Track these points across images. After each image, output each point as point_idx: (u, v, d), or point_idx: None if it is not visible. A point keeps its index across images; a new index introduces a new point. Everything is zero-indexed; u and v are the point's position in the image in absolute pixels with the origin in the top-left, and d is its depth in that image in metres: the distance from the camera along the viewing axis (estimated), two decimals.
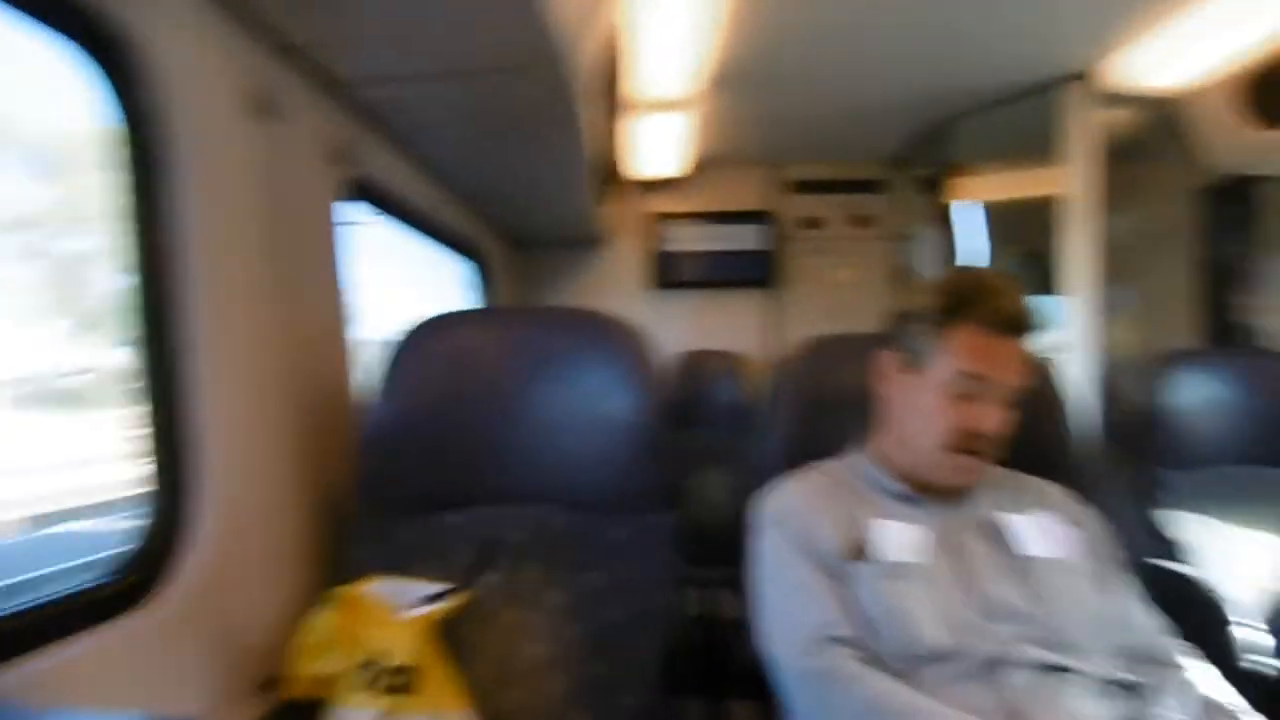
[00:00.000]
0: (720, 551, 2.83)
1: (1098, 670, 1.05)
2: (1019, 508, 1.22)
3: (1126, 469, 2.32)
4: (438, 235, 2.64)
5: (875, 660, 1.07)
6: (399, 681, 1.15)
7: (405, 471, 1.40)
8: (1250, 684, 1.81)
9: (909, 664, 1.05)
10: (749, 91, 2.75)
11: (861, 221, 3.76)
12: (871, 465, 1.27)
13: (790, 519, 1.20)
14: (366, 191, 1.94)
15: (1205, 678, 1.12)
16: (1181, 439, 2.28)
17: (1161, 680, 1.07)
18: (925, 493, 1.22)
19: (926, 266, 3.64)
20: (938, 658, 1.05)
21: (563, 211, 3.04)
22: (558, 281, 3.77)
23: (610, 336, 1.40)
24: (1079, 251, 2.62)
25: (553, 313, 1.54)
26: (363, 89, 1.68)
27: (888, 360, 1.26)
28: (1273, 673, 1.80)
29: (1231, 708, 1.05)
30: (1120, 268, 2.83)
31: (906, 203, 3.67)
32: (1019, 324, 1.15)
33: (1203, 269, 2.94)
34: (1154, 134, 2.76)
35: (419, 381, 1.41)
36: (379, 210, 2.12)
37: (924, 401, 1.19)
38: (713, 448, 3.19)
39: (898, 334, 1.24)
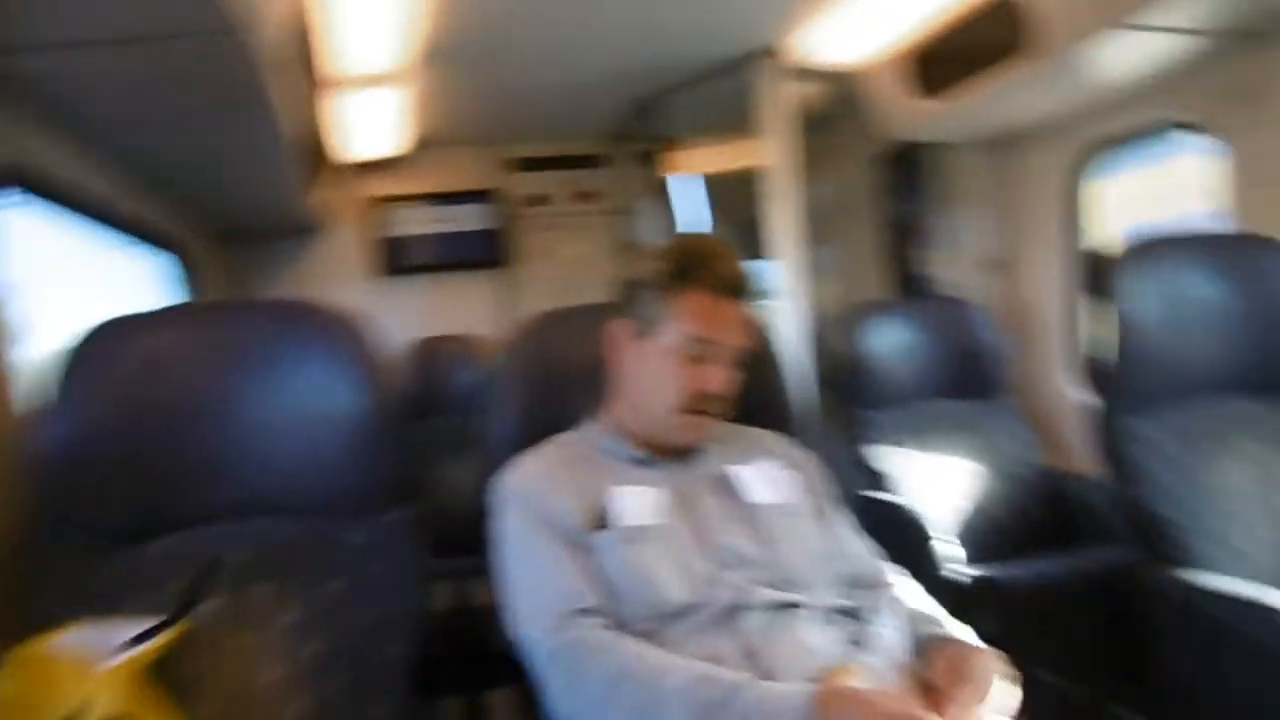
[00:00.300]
0: (471, 540, 2.78)
1: (822, 601, 1.14)
2: (745, 459, 1.29)
3: (838, 412, 2.56)
4: (125, 229, 2.33)
5: (621, 626, 1.08)
6: None
7: (96, 498, 1.22)
8: (949, 591, 2.07)
9: (654, 623, 1.08)
10: (464, 67, 2.68)
11: (586, 197, 3.82)
12: (606, 434, 1.29)
13: (529, 495, 1.20)
14: (24, 179, 1.67)
15: (912, 593, 1.25)
16: (880, 381, 2.54)
17: (876, 601, 1.18)
18: (659, 454, 1.26)
19: (649, 238, 3.77)
20: (680, 613, 1.08)
21: (268, 198, 2.80)
22: (274, 274, 3.47)
23: (324, 326, 1.30)
24: (782, 218, 2.82)
25: (255, 305, 1.41)
26: (10, 58, 1.43)
27: (619, 328, 1.28)
28: (965, 579, 2.07)
29: (933, 616, 1.17)
30: (820, 232, 3.09)
31: (628, 177, 3.77)
32: (741, 287, 1.22)
33: (885, 228, 3.29)
34: (838, 106, 3.02)
35: (102, 394, 1.23)
36: (43, 201, 1.82)
37: (655, 366, 1.23)
38: (456, 435, 3.12)
39: (627, 302, 1.27)
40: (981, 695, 0.98)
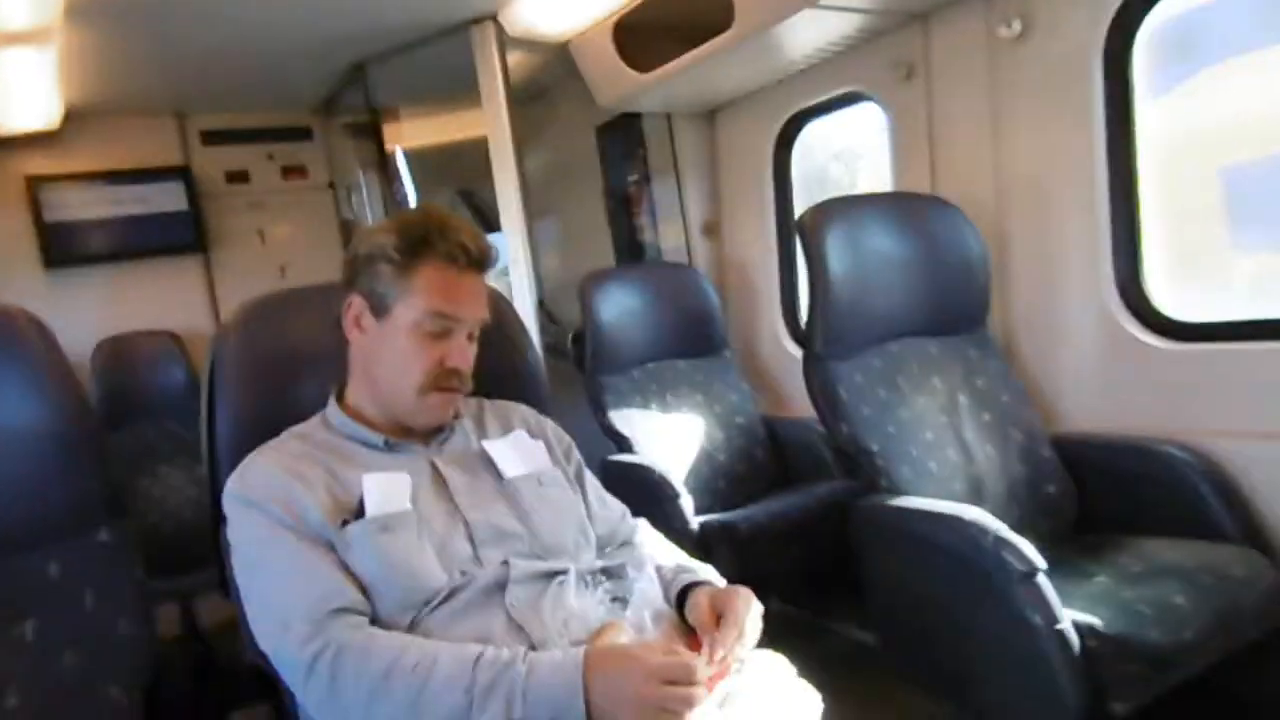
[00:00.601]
0: (191, 555, 2.52)
1: (583, 565, 1.15)
2: (495, 432, 1.28)
3: (575, 379, 2.61)
4: None
5: (380, 620, 1.03)
6: None
7: None
8: (692, 539, 2.20)
9: (415, 612, 1.04)
10: (117, 23, 2.34)
11: (295, 172, 3.54)
12: (346, 419, 1.21)
13: (267, 494, 1.09)
14: None
15: (661, 544, 1.31)
16: (611, 347, 2.62)
17: (630, 557, 1.22)
18: (405, 437, 1.21)
19: (368, 214, 3.59)
20: (442, 597, 1.05)
21: None
22: None
23: None
24: (507, 188, 2.80)
25: None
26: None
27: (352, 307, 1.20)
28: (706, 527, 2.20)
29: (684, 564, 1.23)
30: (543, 202, 3.10)
31: (341, 150, 3.55)
32: (479, 259, 1.18)
33: (608, 197, 3.38)
34: (558, 76, 3.03)
35: None
36: None
37: (395, 345, 1.17)
38: (162, 442, 2.80)
39: (358, 279, 1.19)
40: (740, 629, 1.04)
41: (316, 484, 1.10)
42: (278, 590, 1.04)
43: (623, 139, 3.25)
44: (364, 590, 1.04)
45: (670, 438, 2.54)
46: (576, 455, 1.35)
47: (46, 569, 1.10)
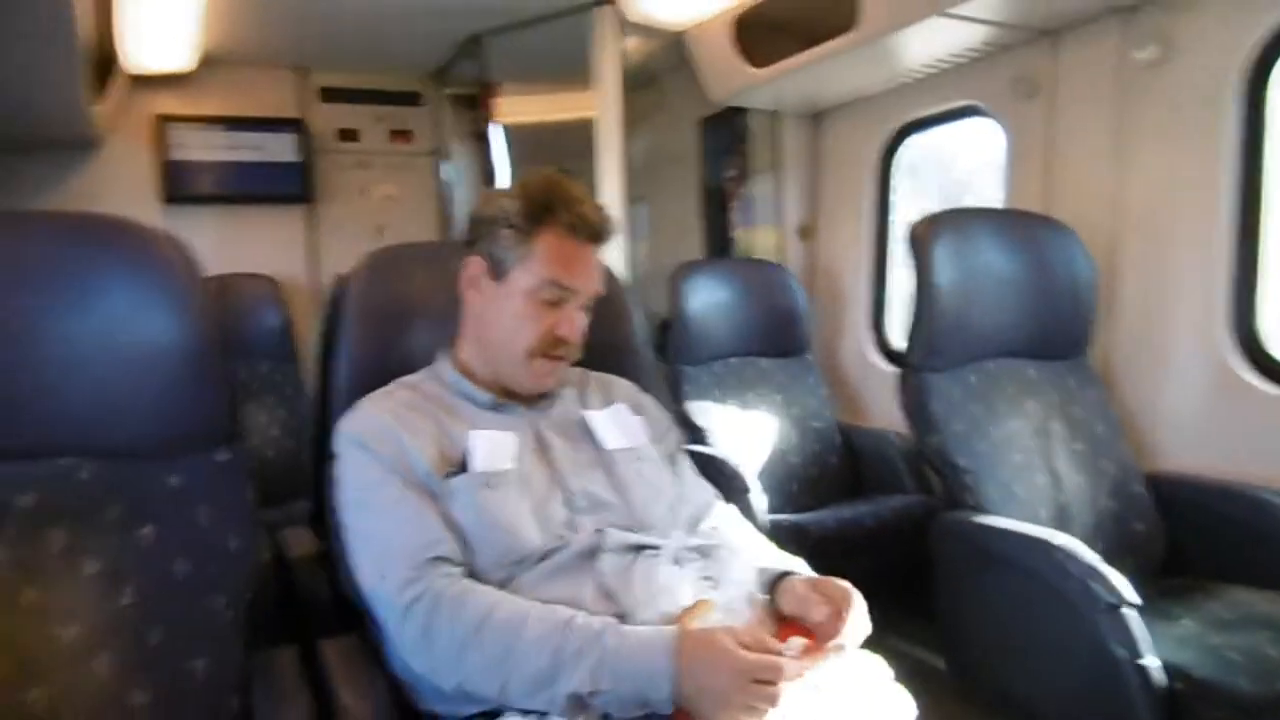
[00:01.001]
0: (281, 489, 2.62)
1: (675, 542, 1.17)
2: (598, 403, 1.30)
3: (660, 368, 2.62)
4: None
5: (476, 574, 1.06)
6: None
7: None
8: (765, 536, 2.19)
9: (510, 570, 1.06)
10: None
11: (401, 136, 3.63)
12: (457, 375, 1.24)
13: (377, 439, 1.13)
14: None
15: (748, 532, 1.31)
16: (695, 338, 2.63)
17: (723, 540, 1.22)
18: (511, 398, 1.23)
19: (462, 184, 3.66)
20: (536, 558, 1.07)
21: (44, 101, 2.41)
22: (37, 195, 3.00)
23: (137, 243, 1.15)
24: (607, 173, 2.82)
25: (49, 217, 1.22)
26: None
27: (471, 267, 1.23)
28: (778, 526, 2.20)
29: (775, 554, 1.24)
30: (634, 189, 3.13)
31: (446, 119, 3.62)
32: (600, 232, 1.20)
33: (704, 190, 3.39)
34: (667, 65, 3.05)
35: None
36: None
37: (508, 309, 1.19)
38: (256, 380, 2.91)
39: (480, 241, 1.22)
40: (850, 622, 1.03)
41: (425, 434, 1.14)
42: (380, 533, 1.09)
43: (725, 134, 3.25)
44: (462, 542, 1.07)
45: (746, 434, 2.55)
46: (674, 435, 1.37)
47: (168, 480, 1.16)
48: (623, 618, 1.01)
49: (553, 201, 1.17)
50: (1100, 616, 1.35)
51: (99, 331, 1.11)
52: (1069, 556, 1.41)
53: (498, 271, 1.20)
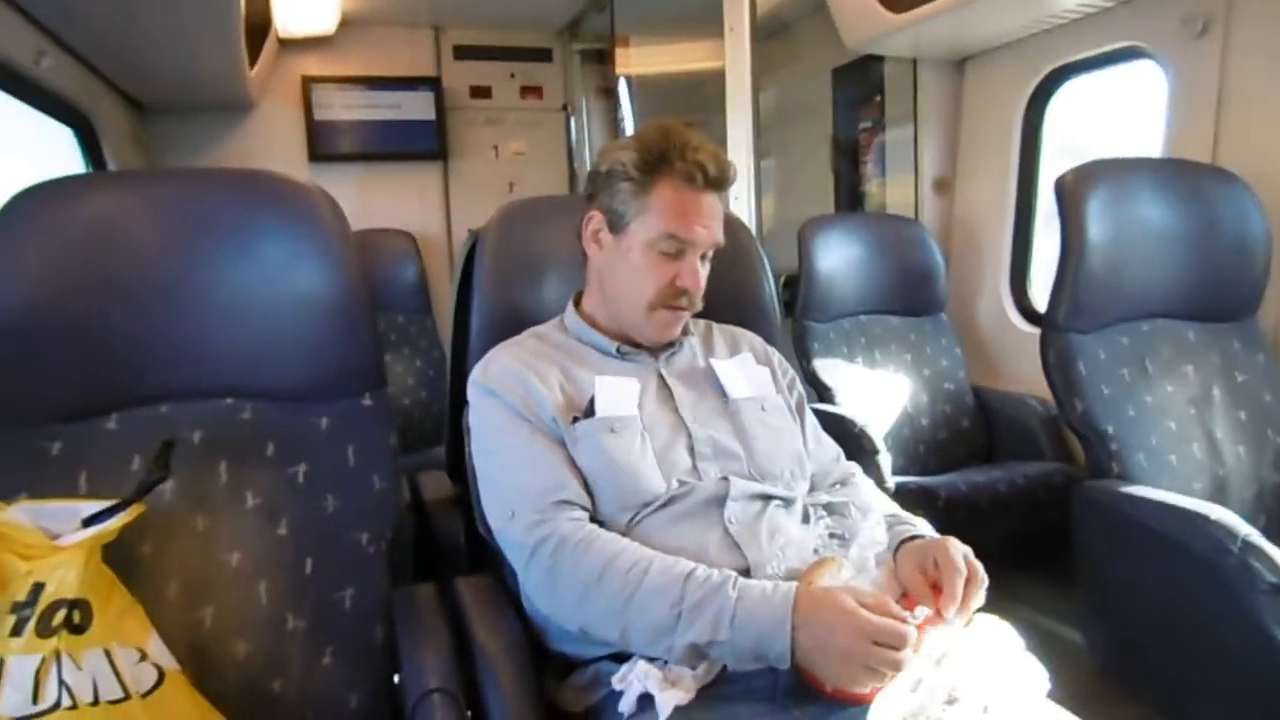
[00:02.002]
0: (417, 437, 2.74)
1: (799, 495, 1.16)
2: (723, 353, 1.30)
3: (786, 324, 2.58)
4: (20, 93, 2.11)
5: (600, 519, 1.08)
6: (65, 619, 0.96)
7: (36, 377, 1.13)
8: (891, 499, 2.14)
9: (633, 514, 1.07)
10: None
11: (533, 92, 3.67)
12: (583, 324, 1.26)
13: (507, 386, 1.15)
14: None
15: (874, 492, 1.29)
16: (822, 294, 2.57)
17: (853, 497, 1.20)
18: (636, 347, 1.24)
19: (589, 138, 3.67)
20: (659, 504, 1.08)
21: (207, 68, 2.57)
22: (195, 153, 3.22)
23: (295, 198, 1.22)
24: (738, 125, 2.77)
25: (217, 174, 1.31)
26: None
27: (591, 221, 1.23)
28: (891, 486, 2.14)
29: (901, 514, 1.21)
30: (764, 142, 3.05)
31: (576, 74, 3.64)
32: (717, 179, 1.17)
33: (834, 143, 3.28)
34: (799, 12, 2.95)
35: (37, 265, 1.13)
36: None
37: (628, 262, 1.19)
38: (394, 332, 3.04)
39: (599, 195, 1.21)
40: (974, 596, 0.99)
41: (552, 381, 1.16)
42: (509, 477, 1.12)
43: (859, 83, 3.13)
44: (587, 487, 1.09)
45: (873, 394, 2.48)
46: (799, 389, 1.35)
47: (320, 422, 1.23)
48: (748, 571, 1.02)
49: (668, 150, 1.15)
50: (1260, 597, 1.26)
51: (260, 281, 1.18)
52: (1227, 532, 1.32)
53: (616, 225, 1.19)
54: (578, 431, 1.11)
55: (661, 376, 1.22)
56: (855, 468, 1.33)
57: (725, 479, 1.11)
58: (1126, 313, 1.71)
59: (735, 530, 1.06)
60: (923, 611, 0.96)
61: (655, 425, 1.15)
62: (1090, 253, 1.63)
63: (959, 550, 1.02)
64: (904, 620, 0.90)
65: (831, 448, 1.34)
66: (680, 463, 1.13)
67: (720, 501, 1.09)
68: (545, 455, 1.10)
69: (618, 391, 1.15)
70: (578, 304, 1.30)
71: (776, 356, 1.37)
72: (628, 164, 1.16)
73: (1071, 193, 1.65)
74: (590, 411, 1.13)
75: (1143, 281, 1.71)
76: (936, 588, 1.00)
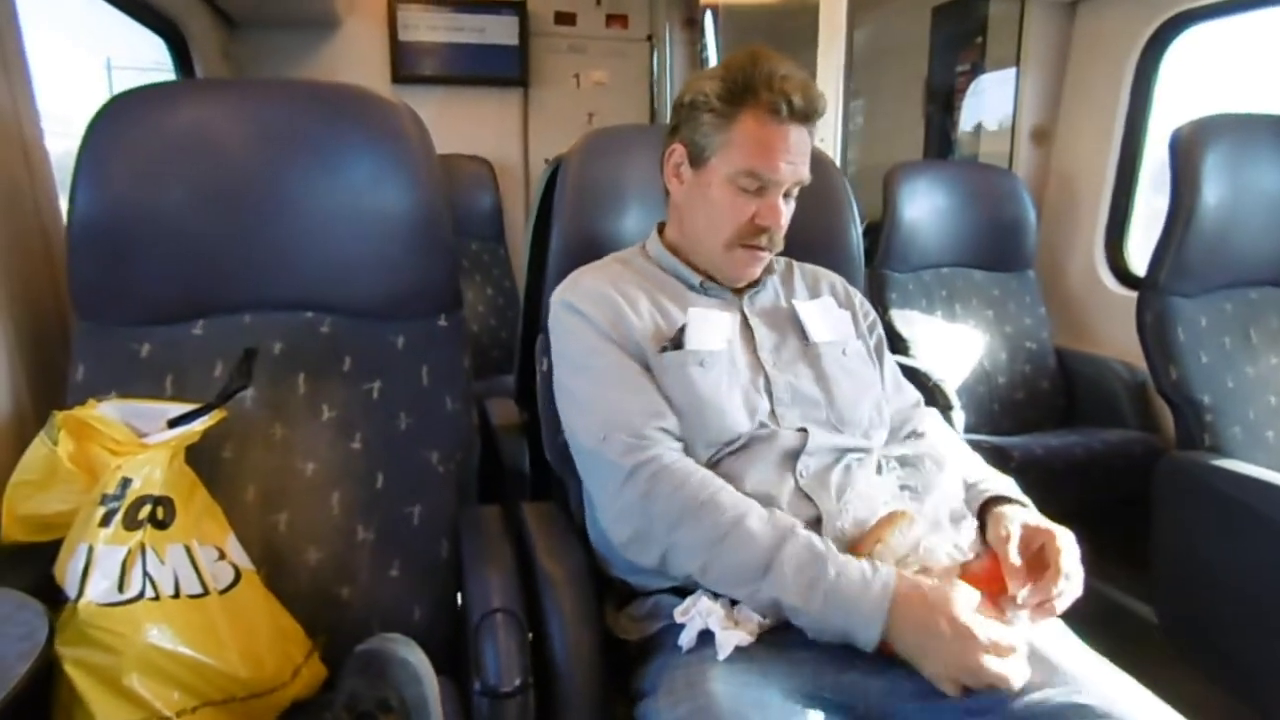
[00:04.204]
0: (487, 363, 2.76)
1: (877, 445, 1.13)
2: (801, 295, 1.26)
3: (866, 272, 2.51)
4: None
5: (687, 450, 1.06)
6: (149, 514, 0.99)
7: (128, 278, 1.16)
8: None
9: (714, 451, 1.06)
10: None
11: (618, 20, 3.58)
12: (667, 254, 1.23)
13: (596, 306, 1.12)
14: None
15: (953, 442, 1.25)
16: (904, 243, 2.48)
17: (928, 449, 1.17)
18: (719, 283, 1.21)
19: (670, 71, 3.58)
20: (740, 444, 1.06)
21: None
22: (283, 67, 3.23)
23: (384, 115, 1.21)
24: (829, 63, 2.66)
25: (307, 86, 1.30)
26: None
27: (675, 154, 1.18)
28: (982, 447, 2.08)
29: (981, 469, 1.17)
30: (854, 83, 2.93)
31: (660, 4, 3.54)
32: (805, 112, 1.10)
33: (928, 86, 3.14)
34: None
35: (130, 169, 1.15)
36: None
37: (707, 197, 1.14)
38: (466, 258, 3.05)
39: (681, 127, 1.16)
40: (1060, 579, 0.95)
41: (641, 306, 1.14)
42: (603, 398, 1.08)
43: (962, 23, 2.97)
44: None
45: (950, 348, 2.41)
46: (880, 332, 1.32)
47: (396, 340, 1.25)
48: (819, 520, 1.00)
49: (753, 80, 1.08)
50: None
51: (345, 196, 1.19)
52: None
53: (697, 158, 1.15)
54: (665, 361, 1.09)
55: (744, 315, 1.19)
56: (934, 415, 1.29)
57: (804, 430, 1.08)
58: (1234, 278, 1.61)
59: (806, 483, 1.04)
60: (1024, 600, 0.94)
61: (739, 364, 1.13)
62: (1201, 212, 1.54)
63: (1073, 552, 0.98)
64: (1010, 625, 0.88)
65: (912, 394, 1.30)
66: (761, 406, 1.10)
67: (796, 454, 1.06)
68: (638, 379, 1.09)
69: (709, 324, 1.13)
70: (661, 233, 1.27)
71: (858, 298, 1.32)
72: (710, 94, 1.11)
73: (1187, 147, 1.55)
74: (679, 342, 1.10)
75: (1255, 246, 1.61)
76: (1033, 569, 0.96)
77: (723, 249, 1.16)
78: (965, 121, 3.02)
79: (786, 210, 1.15)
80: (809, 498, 1.03)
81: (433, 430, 1.23)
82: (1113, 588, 1.87)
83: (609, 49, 3.59)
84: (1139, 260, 2.53)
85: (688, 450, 1.06)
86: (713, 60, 3.44)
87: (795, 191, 1.16)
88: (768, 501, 1.00)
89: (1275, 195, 1.58)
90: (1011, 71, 2.81)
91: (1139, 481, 1.63)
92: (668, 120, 1.21)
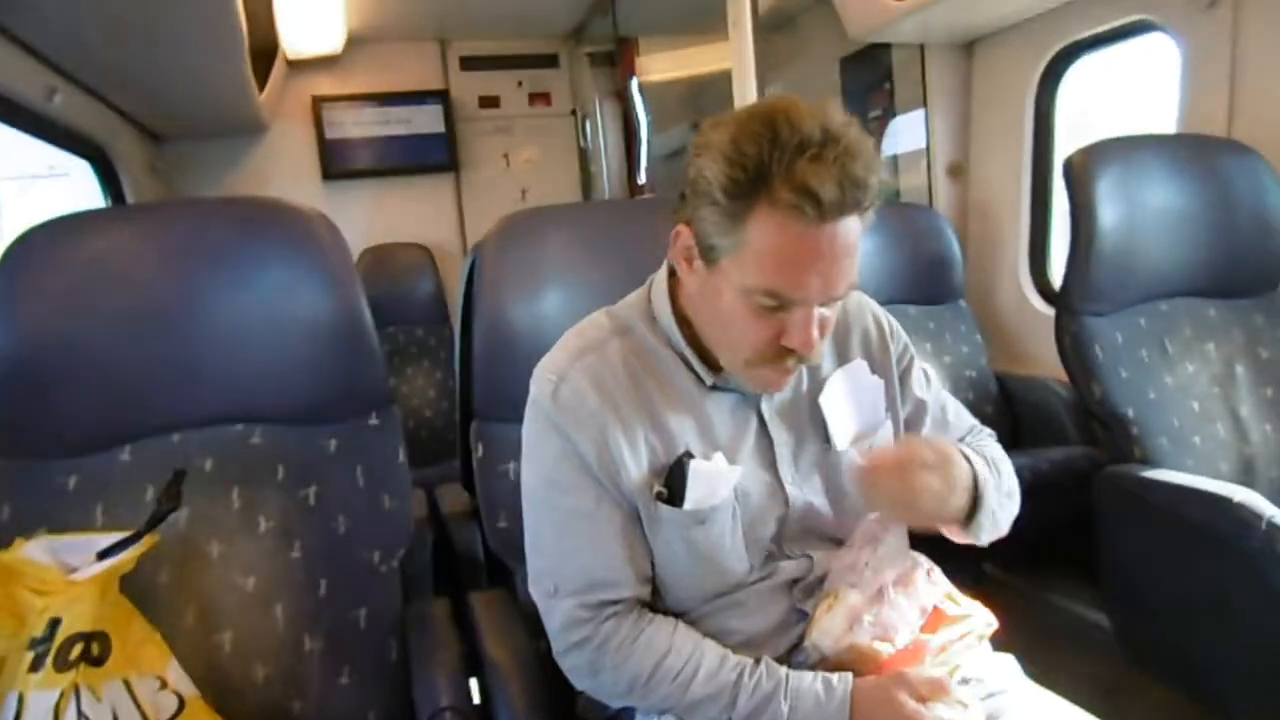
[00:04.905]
0: (438, 447, 2.75)
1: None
2: (830, 361, 1.04)
3: None
4: (35, 129, 2.15)
5: (663, 607, 0.98)
6: (82, 651, 0.98)
7: (49, 412, 1.16)
8: None
9: (701, 602, 0.98)
10: None
11: (541, 99, 3.68)
12: (676, 328, 0.98)
13: (582, 428, 0.93)
14: None
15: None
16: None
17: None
18: (732, 381, 0.99)
19: (602, 143, 3.67)
20: (733, 590, 0.98)
21: (217, 94, 2.61)
22: (212, 178, 3.26)
23: (294, 224, 1.24)
24: None
25: (214, 203, 1.32)
26: None
27: (681, 235, 0.92)
28: None
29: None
30: None
31: (584, 79, 3.64)
32: (844, 204, 0.80)
33: None
34: (803, 3, 2.93)
35: (46, 302, 1.15)
36: None
37: (721, 305, 0.89)
38: (413, 344, 3.07)
39: (687, 206, 0.89)
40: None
41: (637, 435, 0.94)
42: (560, 548, 0.97)
43: (868, 72, 3.10)
44: (655, 574, 0.97)
45: None
46: (914, 367, 1.11)
47: (328, 444, 1.25)
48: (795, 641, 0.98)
49: (767, 168, 0.79)
50: None
51: (263, 307, 1.20)
52: (1251, 514, 1.29)
53: (707, 255, 0.88)
54: (661, 515, 0.94)
55: (761, 417, 1.00)
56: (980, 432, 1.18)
57: (808, 558, 0.99)
58: (1143, 293, 1.67)
59: (799, 603, 0.99)
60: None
61: (750, 487, 0.97)
62: (1102, 234, 1.60)
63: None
64: (964, 704, 0.88)
65: (956, 432, 1.15)
66: (765, 539, 0.98)
67: (795, 581, 0.99)
68: (606, 534, 0.94)
69: (715, 479, 0.94)
70: (673, 293, 0.99)
71: (892, 332, 1.10)
72: (714, 181, 0.83)
73: (1080, 173, 1.62)
74: (677, 495, 0.93)
75: (1158, 261, 1.67)
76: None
77: (740, 365, 0.93)
78: (885, 164, 3.12)
79: (829, 315, 0.89)
80: (799, 613, 0.99)
81: (372, 530, 1.23)
82: (1071, 602, 1.89)
83: (535, 126, 3.68)
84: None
85: (671, 603, 0.98)
86: (644, 131, 3.52)
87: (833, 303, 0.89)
88: (757, 629, 0.97)
89: (1168, 211, 1.65)
90: (921, 113, 2.93)
91: (1086, 495, 1.66)
92: (604, 191, 1.19)
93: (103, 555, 1.04)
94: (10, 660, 0.94)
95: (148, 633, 1.06)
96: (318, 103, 3.39)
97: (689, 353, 0.97)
